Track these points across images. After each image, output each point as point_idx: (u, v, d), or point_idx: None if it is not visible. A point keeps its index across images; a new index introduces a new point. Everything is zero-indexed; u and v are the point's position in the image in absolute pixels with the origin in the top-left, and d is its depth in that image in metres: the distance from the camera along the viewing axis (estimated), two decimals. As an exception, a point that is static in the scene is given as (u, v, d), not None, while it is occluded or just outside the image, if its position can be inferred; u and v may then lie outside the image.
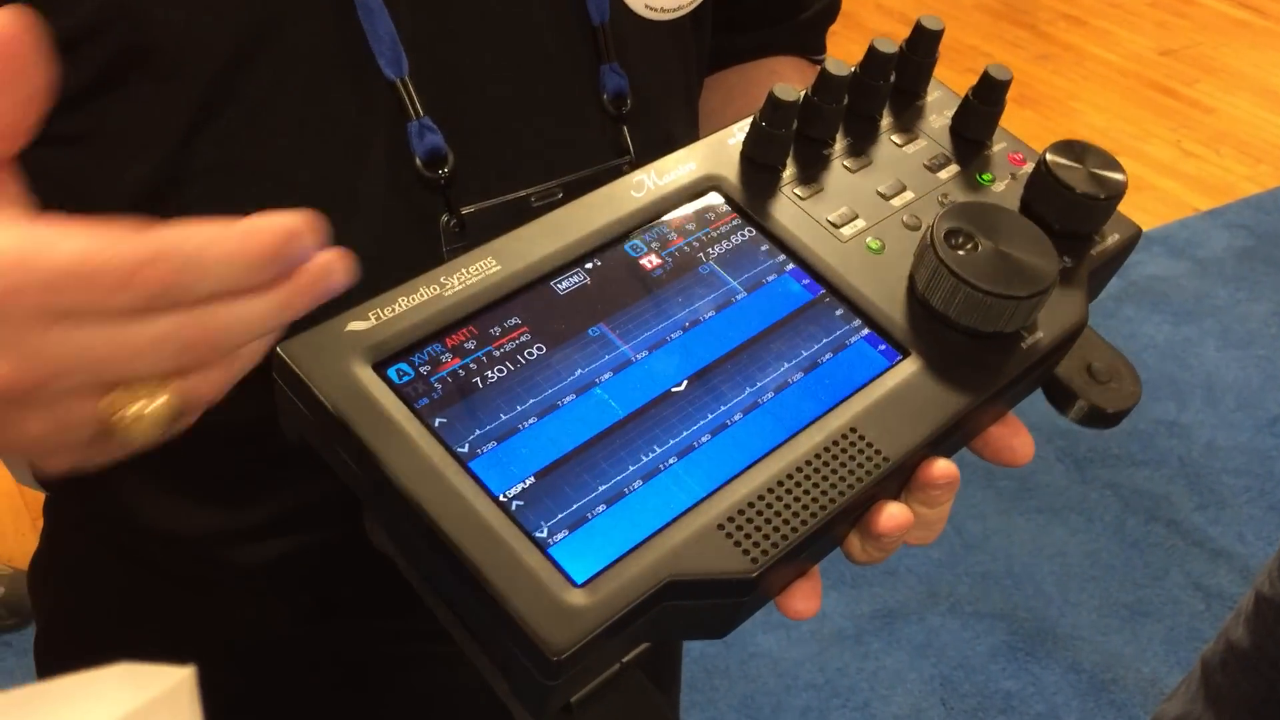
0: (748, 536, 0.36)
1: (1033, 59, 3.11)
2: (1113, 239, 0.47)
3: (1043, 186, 0.46)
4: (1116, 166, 0.46)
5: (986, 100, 0.49)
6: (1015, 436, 0.45)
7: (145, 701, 0.26)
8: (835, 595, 1.74)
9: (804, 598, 0.39)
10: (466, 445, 0.36)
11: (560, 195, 0.51)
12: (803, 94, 0.46)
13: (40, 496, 0.63)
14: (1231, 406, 2.12)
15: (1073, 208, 0.45)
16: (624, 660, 0.37)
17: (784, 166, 0.46)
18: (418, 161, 0.47)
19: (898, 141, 0.49)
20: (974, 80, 0.50)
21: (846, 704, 1.60)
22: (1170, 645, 1.71)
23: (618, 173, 0.46)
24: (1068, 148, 0.46)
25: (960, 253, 0.42)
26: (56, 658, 0.65)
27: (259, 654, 0.59)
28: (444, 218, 0.48)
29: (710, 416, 0.39)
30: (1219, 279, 2.42)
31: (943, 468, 0.41)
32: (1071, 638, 1.71)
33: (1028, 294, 0.41)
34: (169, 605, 0.59)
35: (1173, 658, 1.69)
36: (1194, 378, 2.17)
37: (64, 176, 0.45)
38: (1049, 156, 0.46)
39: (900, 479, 0.41)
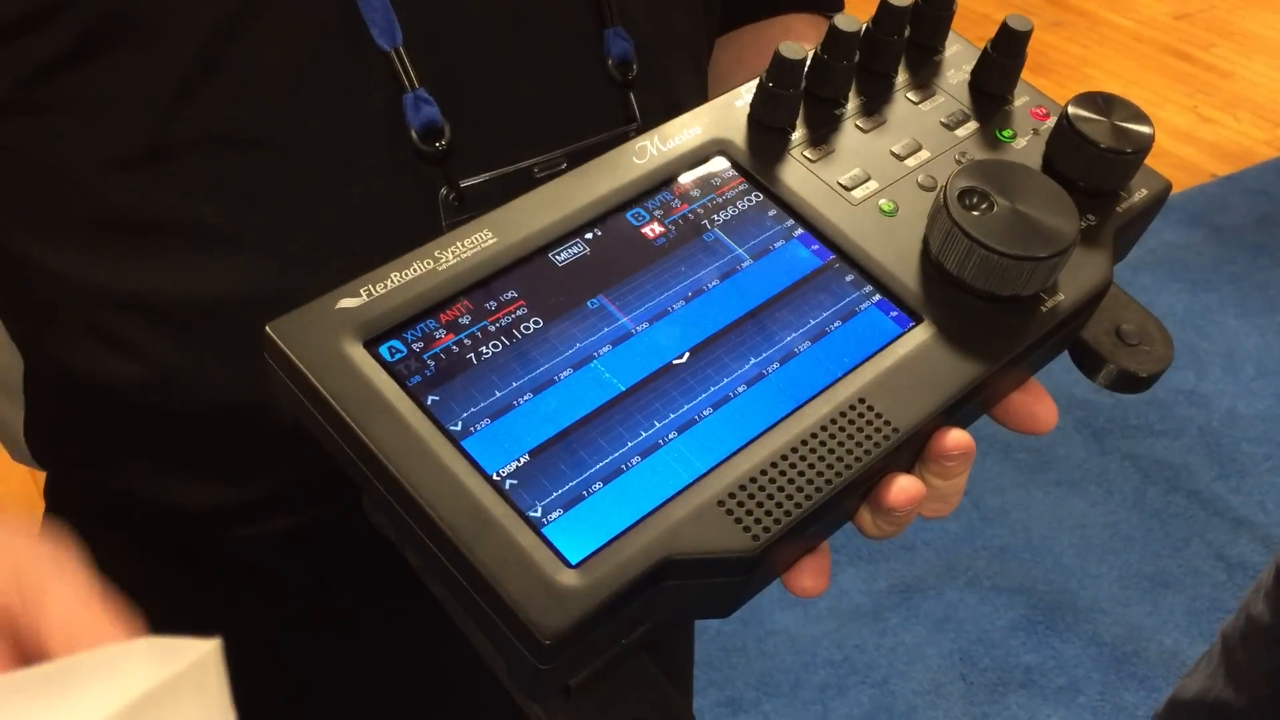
0: (749, 513, 0.35)
1: (1046, 26, 3.07)
2: (1140, 195, 0.45)
3: (1065, 141, 0.44)
4: (1143, 119, 0.44)
5: (1006, 53, 0.47)
6: (1037, 403, 0.43)
7: (171, 675, 0.26)
8: (852, 571, 1.73)
9: (812, 575, 0.38)
10: (459, 423, 0.35)
11: (564, 165, 0.50)
12: (811, 52, 0.44)
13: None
14: (1251, 374, 2.09)
15: (1097, 163, 0.43)
16: (625, 641, 0.36)
17: (793, 128, 0.45)
18: (413, 134, 0.46)
19: (913, 99, 0.47)
20: None
21: (865, 680, 1.59)
22: (1192, 616, 1.69)
23: (624, 141, 0.45)
24: (1091, 100, 0.44)
25: (975, 213, 0.40)
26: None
27: (262, 632, 0.58)
28: (442, 191, 0.47)
29: (712, 389, 0.38)
30: (1237, 245, 2.39)
31: (956, 438, 0.39)
32: (1092, 610, 1.69)
33: (1046, 255, 0.39)
34: (171, 584, 0.59)
35: (1195, 629, 1.67)
36: (1213, 346, 2.15)
37: (44, 148, 0.44)
38: (1071, 110, 0.44)
39: (912, 450, 0.39)
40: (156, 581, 0.58)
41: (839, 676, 1.60)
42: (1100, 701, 1.58)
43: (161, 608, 0.59)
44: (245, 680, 0.56)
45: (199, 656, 0.27)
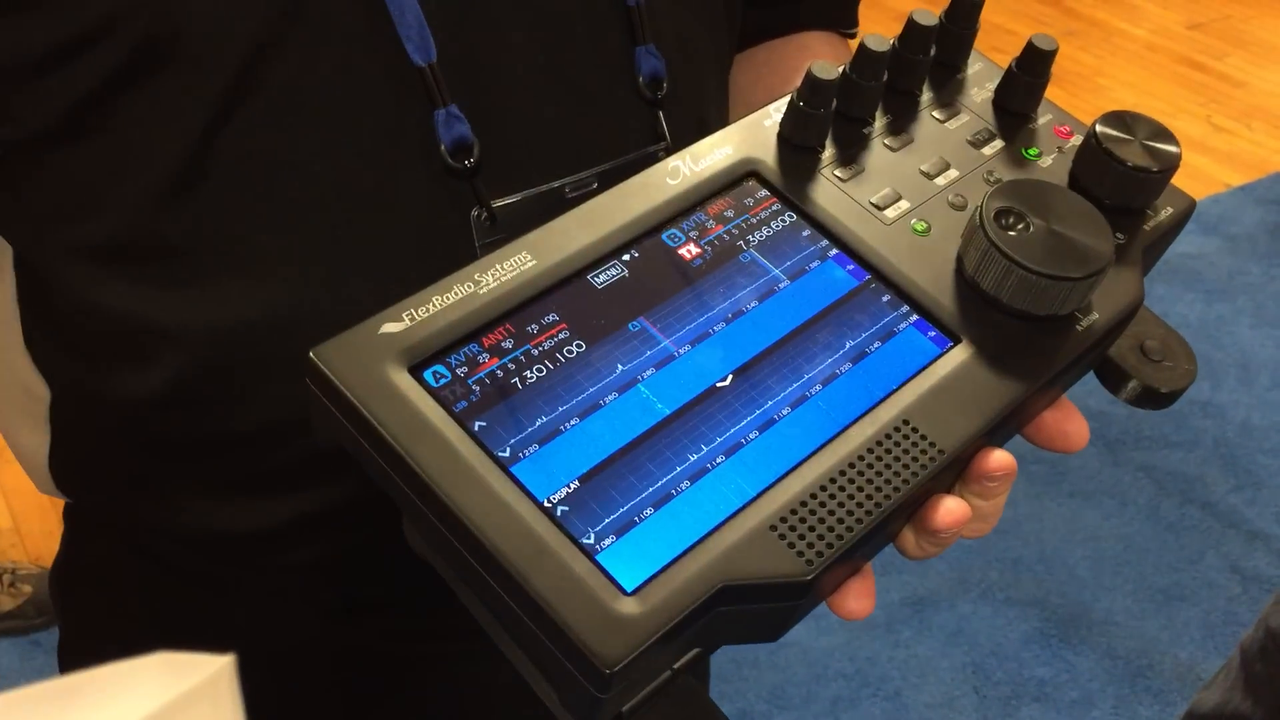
0: (801, 537, 0.35)
1: (1058, 35, 3.05)
2: (1166, 213, 0.46)
3: (1092, 160, 0.44)
4: (1169, 137, 0.44)
5: (1031, 71, 0.47)
6: (1069, 421, 0.43)
7: (184, 691, 0.26)
8: (865, 583, 1.72)
9: (858, 597, 0.38)
10: (508, 449, 0.35)
11: (595, 185, 0.50)
12: (841, 72, 0.45)
13: (66, 495, 0.62)
14: (1266, 385, 2.09)
15: (1125, 182, 0.44)
16: (675, 667, 0.35)
17: (823, 148, 0.45)
18: (444, 151, 0.46)
19: (939, 117, 0.47)
20: (1000, 59, 0.48)
21: (878, 693, 1.59)
22: (1207, 630, 1.68)
23: (654, 160, 0.45)
24: (1118, 119, 0.44)
25: (1011, 233, 0.40)
26: (81, 663, 0.64)
27: (287, 655, 0.58)
28: (474, 211, 0.47)
29: (757, 412, 0.38)
30: (1252, 255, 2.38)
31: (999, 459, 0.39)
32: (1105, 623, 1.69)
33: (1083, 274, 0.39)
34: (193, 607, 0.58)
35: (1209, 642, 1.66)
36: (1228, 357, 2.14)
37: (84, 174, 0.44)
38: (1099, 128, 0.44)
39: (955, 471, 0.39)
40: (178, 603, 0.58)
41: (851, 689, 1.59)
42: (1114, 715, 1.57)
43: (183, 630, 0.59)
44: (268, 701, 0.55)
45: (212, 673, 0.27)
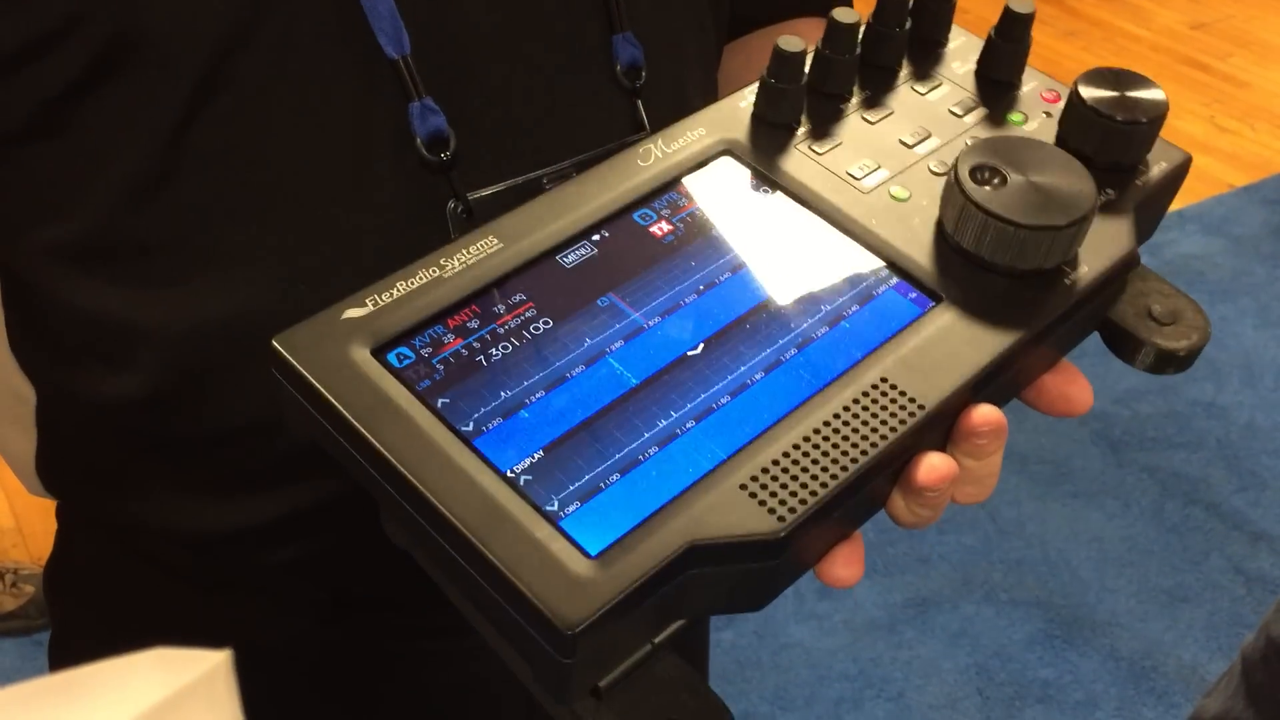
0: (773, 495, 0.34)
1: (1061, 35, 3.06)
2: (1159, 168, 0.45)
3: (1077, 118, 0.43)
4: (1154, 87, 0.43)
5: (1009, 37, 0.46)
6: (1071, 384, 0.42)
7: (180, 687, 0.26)
8: (868, 584, 1.72)
9: (845, 563, 0.37)
10: (471, 423, 0.35)
11: (574, 176, 0.49)
12: (811, 47, 0.44)
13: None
14: (1271, 386, 2.08)
15: (1111, 136, 0.43)
16: (655, 640, 0.35)
17: (798, 124, 0.44)
18: (419, 144, 0.45)
19: (920, 90, 0.46)
20: None
21: (881, 694, 1.58)
22: (1211, 631, 1.67)
23: None
24: (1099, 75, 0.44)
25: (988, 188, 0.39)
26: (69, 662, 0.64)
27: (277, 653, 0.58)
28: (450, 204, 0.47)
29: (729, 378, 0.37)
30: (1255, 256, 2.37)
31: (984, 413, 0.38)
32: (1109, 624, 1.68)
33: (1064, 224, 0.39)
34: (184, 606, 0.58)
35: (1213, 644, 1.66)
36: (1232, 357, 2.13)
37: (56, 174, 0.44)
38: (1080, 86, 0.43)
39: (941, 430, 0.38)
40: (169, 602, 0.58)
41: (854, 690, 1.58)
42: (1118, 717, 1.57)
43: (174, 628, 0.59)
44: (258, 699, 0.55)
45: (209, 668, 0.26)
